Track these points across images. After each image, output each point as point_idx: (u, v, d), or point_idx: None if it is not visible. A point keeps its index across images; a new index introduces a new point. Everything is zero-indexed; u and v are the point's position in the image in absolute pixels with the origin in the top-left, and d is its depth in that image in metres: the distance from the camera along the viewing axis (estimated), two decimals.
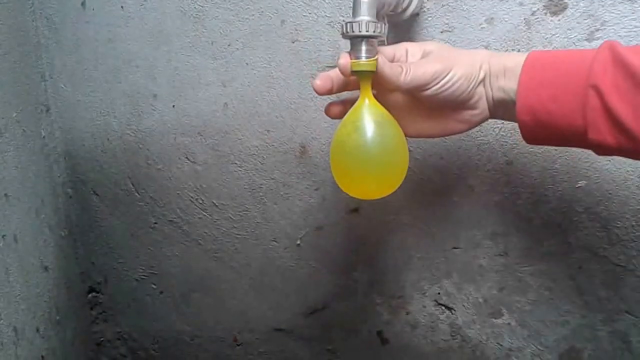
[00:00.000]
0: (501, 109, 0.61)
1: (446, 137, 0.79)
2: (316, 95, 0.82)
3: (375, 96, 0.63)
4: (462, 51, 0.62)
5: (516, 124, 0.62)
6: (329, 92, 0.63)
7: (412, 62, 0.62)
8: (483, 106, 0.62)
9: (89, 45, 0.91)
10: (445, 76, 0.59)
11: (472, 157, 0.80)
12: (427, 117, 0.64)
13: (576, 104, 0.55)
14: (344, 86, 0.64)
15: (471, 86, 0.60)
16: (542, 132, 0.59)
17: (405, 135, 0.68)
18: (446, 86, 0.59)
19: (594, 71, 0.54)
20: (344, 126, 0.66)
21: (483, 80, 0.60)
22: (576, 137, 0.57)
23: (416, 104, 0.64)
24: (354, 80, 0.63)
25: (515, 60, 0.59)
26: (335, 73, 0.62)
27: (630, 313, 0.78)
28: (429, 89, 0.59)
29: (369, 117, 0.63)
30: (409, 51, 0.63)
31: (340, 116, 0.65)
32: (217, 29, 0.84)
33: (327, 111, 0.65)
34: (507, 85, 0.59)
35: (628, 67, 0.53)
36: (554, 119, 0.57)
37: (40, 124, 0.93)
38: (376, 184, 0.65)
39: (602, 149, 0.57)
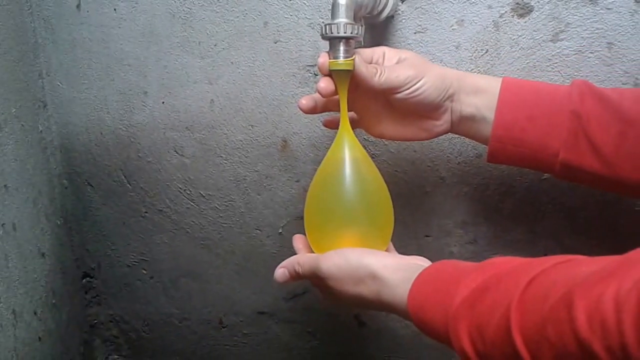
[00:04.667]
0: (468, 123, 0.63)
1: None
2: (297, 93, 0.83)
3: (350, 95, 0.63)
4: (435, 65, 0.64)
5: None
6: (313, 111, 0.66)
7: (387, 65, 0.63)
8: (446, 119, 0.64)
9: (83, 45, 0.91)
10: (417, 82, 0.60)
11: (443, 150, 0.81)
12: (393, 120, 0.66)
13: (553, 126, 0.59)
14: (327, 107, 0.67)
15: (440, 97, 0.62)
16: (512, 149, 0.61)
17: (369, 133, 0.69)
18: (416, 92, 0.61)
19: (573, 99, 0.58)
20: (319, 176, 0.66)
21: (452, 95, 0.62)
22: (546, 157, 0.60)
23: (385, 107, 0.66)
24: (335, 101, 0.64)
25: (488, 82, 0.62)
26: (317, 95, 0.63)
27: None
28: (400, 92, 0.61)
29: (349, 166, 0.63)
30: (386, 55, 0.64)
31: (312, 110, 0.66)
32: (204, 30, 0.85)
33: (299, 104, 0.66)
34: (480, 102, 0.62)
35: (605, 99, 0.57)
36: (527, 136, 0.60)
37: (38, 119, 0.93)
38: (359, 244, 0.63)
39: (570, 171, 0.60)
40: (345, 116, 0.64)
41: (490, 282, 0.47)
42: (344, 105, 0.63)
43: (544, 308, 0.41)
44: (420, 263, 0.59)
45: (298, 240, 0.69)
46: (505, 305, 0.44)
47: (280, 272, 0.65)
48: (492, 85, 0.62)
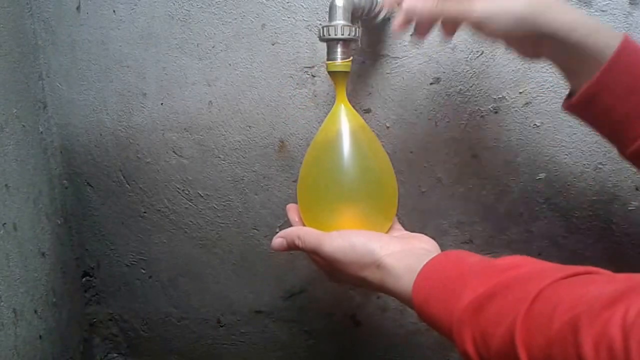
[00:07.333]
0: (571, 54, 0.55)
1: (415, 133, 0.81)
2: (294, 94, 0.83)
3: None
4: None
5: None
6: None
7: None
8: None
9: (83, 47, 0.91)
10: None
11: (439, 151, 0.81)
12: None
13: None
14: None
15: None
16: (598, 111, 0.56)
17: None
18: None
19: None
20: (313, 149, 0.63)
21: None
22: (624, 137, 0.56)
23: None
24: None
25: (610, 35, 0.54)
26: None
27: None
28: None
29: (347, 137, 0.61)
30: None
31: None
32: (202, 32, 0.85)
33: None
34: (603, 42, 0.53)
35: None
36: (618, 106, 0.54)
37: (38, 120, 0.93)
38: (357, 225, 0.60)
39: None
40: (342, 87, 0.62)
41: (496, 289, 0.47)
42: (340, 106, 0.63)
43: (550, 329, 0.40)
44: (425, 247, 0.59)
45: (293, 212, 0.67)
46: (511, 317, 0.44)
47: (279, 241, 0.64)
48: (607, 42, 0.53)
